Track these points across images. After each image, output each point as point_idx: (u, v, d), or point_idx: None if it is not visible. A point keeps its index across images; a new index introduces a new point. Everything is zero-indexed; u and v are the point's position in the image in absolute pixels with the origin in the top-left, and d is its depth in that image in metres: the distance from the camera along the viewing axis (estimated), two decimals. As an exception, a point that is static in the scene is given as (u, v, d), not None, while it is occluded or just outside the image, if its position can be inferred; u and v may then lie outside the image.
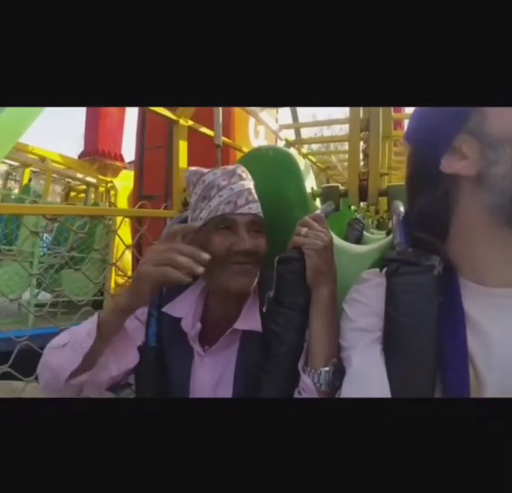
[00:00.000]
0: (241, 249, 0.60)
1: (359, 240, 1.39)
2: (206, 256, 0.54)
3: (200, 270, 0.53)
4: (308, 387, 0.51)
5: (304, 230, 0.57)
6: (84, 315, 1.08)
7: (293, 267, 0.56)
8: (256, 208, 0.64)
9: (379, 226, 2.24)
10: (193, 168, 0.69)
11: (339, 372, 0.50)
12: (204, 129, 1.25)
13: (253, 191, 0.66)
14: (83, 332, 0.57)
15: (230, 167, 0.68)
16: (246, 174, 0.68)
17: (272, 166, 0.84)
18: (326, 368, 0.51)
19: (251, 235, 0.62)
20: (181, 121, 1.11)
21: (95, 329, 0.56)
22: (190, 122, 1.16)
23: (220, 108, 1.12)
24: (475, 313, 0.43)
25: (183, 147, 1.12)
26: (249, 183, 0.67)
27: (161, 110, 1.03)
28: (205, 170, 0.67)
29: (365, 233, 1.49)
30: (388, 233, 1.60)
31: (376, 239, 1.48)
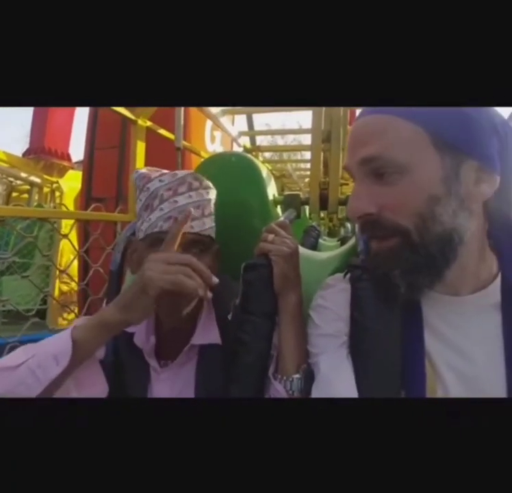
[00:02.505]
0: None
1: (314, 247, 1.42)
2: (216, 280, 0.48)
3: (209, 295, 0.47)
4: (280, 394, 0.51)
5: (270, 236, 0.57)
6: (32, 327, 0.99)
7: (260, 274, 0.55)
8: (200, 226, 0.57)
9: (330, 234, 2.38)
10: (142, 171, 0.61)
11: (309, 378, 0.50)
12: (163, 131, 1.21)
13: (203, 203, 0.59)
14: (48, 354, 0.44)
15: (180, 173, 0.58)
16: (198, 183, 0.59)
17: (235, 172, 0.83)
18: (298, 375, 0.51)
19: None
20: (140, 121, 1.07)
21: (68, 352, 0.43)
22: (149, 123, 1.12)
23: (182, 110, 1.10)
24: (433, 317, 0.45)
25: (140, 148, 1.08)
26: (198, 195, 0.59)
27: (119, 109, 0.98)
28: (154, 174, 0.59)
29: (319, 240, 1.53)
30: (339, 240, 1.68)
31: (330, 247, 1.53)
